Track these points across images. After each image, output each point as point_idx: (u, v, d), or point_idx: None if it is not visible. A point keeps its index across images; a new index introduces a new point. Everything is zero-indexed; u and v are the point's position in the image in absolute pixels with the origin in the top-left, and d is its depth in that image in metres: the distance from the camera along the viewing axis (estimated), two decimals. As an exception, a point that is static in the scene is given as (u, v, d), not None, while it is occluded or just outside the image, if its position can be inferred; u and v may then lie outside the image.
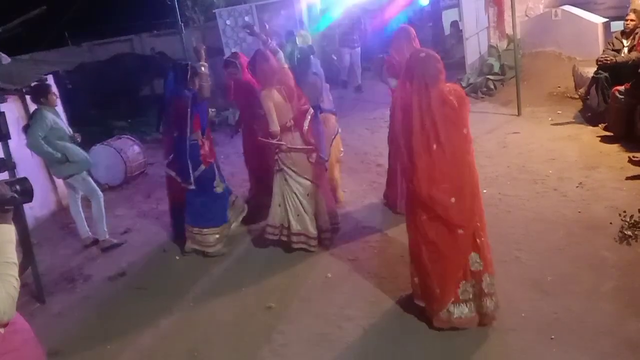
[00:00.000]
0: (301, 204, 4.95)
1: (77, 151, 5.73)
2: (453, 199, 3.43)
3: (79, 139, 5.87)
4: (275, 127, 4.75)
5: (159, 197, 7.06)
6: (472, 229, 3.52)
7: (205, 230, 5.26)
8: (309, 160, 4.93)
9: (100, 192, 5.97)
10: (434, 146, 3.36)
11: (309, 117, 4.99)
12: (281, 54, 5.10)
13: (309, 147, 4.92)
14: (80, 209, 6.03)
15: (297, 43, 5.98)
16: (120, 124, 11.28)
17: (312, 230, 4.99)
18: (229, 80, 5.98)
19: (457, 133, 3.41)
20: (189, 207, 5.28)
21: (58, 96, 5.93)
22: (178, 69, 5.27)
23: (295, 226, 4.99)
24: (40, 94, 5.71)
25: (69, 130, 5.84)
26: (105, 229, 5.96)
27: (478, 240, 3.54)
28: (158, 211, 6.76)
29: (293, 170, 4.90)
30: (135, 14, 16.87)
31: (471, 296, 3.59)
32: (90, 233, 6.10)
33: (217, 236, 5.29)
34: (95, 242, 6.06)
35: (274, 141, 4.83)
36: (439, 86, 3.35)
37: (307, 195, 4.96)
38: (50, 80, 7.53)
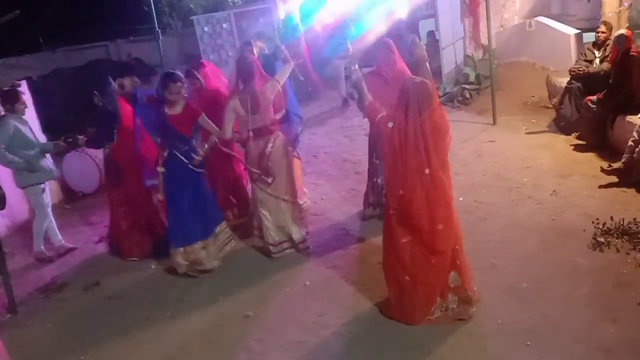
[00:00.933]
0: (262, 211, 5.07)
1: (40, 162, 5.62)
2: (440, 226, 3.57)
3: (63, 144, 5.86)
4: (225, 135, 4.88)
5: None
6: (451, 252, 3.68)
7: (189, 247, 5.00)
8: (265, 179, 4.97)
9: (47, 213, 5.82)
10: (426, 171, 3.48)
11: (273, 140, 4.99)
12: (288, 66, 5.12)
13: (258, 172, 4.95)
14: (51, 217, 5.94)
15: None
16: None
17: (270, 238, 5.07)
18: (191, 90, 5.62)
19: (443, 157, 3.58)
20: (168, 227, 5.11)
21: (26, 105, 5.74)
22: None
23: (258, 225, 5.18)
24: (7, 100, 5.58)
25: (36, 138, 5.73)
26: (40, 244, 5.88)
27: (457, 261, 3.72)
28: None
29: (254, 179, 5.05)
30: (112, 20, 16.68)
31: (447, 307, 3.81)
32: (63, 241, 6.01)
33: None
34: (70, 250, 6.00)
35: (225, 149, 4.96)
36: (433, 109, 3.47)
37: (264, 204, 5.06)
38: (24, 85, 7.41)
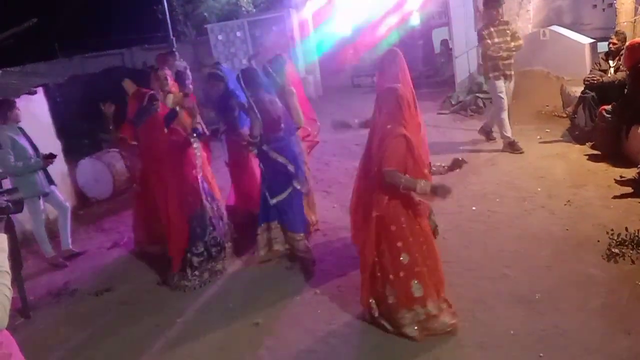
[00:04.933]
0: None
1: (28, 177, 5.60)
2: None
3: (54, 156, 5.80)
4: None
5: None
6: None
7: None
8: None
9: (43, 220, 5.89)
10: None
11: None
12: None
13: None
14: (68, 222, 6.05)
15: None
16: (110, 137, 11.21)
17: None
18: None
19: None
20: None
21: (20, 111, 5.72)
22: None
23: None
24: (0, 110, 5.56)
25: (31, 150, 5.69)
26: (49, 249, 5.98)
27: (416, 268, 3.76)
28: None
29: None
30: (127, 28, 16.92)
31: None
32: (70, 245, 6.10)
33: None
34: (76, 255, 6.10)
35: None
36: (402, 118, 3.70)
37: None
38: (40, 92, 7.50)
